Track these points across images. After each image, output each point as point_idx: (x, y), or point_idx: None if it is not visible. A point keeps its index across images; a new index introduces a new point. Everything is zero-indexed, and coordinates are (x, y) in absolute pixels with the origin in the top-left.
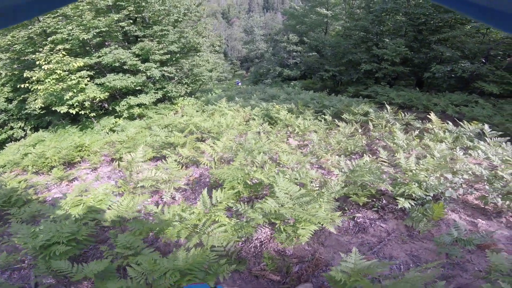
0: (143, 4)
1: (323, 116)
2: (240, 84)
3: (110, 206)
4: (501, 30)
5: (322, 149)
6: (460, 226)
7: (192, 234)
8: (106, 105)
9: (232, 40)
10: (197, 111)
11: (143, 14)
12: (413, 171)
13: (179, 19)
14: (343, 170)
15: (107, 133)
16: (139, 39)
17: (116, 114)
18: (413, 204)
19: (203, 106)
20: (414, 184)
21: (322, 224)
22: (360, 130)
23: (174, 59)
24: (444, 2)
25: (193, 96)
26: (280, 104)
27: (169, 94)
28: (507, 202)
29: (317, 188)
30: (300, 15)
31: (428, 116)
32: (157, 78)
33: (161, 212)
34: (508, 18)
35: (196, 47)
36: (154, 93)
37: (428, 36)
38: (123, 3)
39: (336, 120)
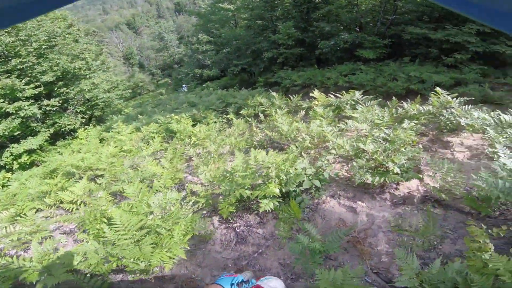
0: None
1: (226, 116)
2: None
3: None
4: (501, 30)
5: (203, 158)
6: (310, 230)
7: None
8: None
9: (145, 50)
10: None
11: None
12: (272, 166)
13: (43, 46)
14: (204, 184)
15: None
16: None
17: (7, 167)
18: (277, 203)
19: (100, 134)
20: (274, 180)
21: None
22: (254, 124)
23: (56, 89)
24: (444, 2)
25: (93, 123)
26: (179, 114)
27: (63, 129)
28: (377, 179)
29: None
30: (207, 13)
31: (312, 93)
32: (38, 116)
33: (11, 261)
34: (508, 18)
35: (74, 72)
36: (45, 132)
37: (312, 14)
38: None
39: (234, 119)
